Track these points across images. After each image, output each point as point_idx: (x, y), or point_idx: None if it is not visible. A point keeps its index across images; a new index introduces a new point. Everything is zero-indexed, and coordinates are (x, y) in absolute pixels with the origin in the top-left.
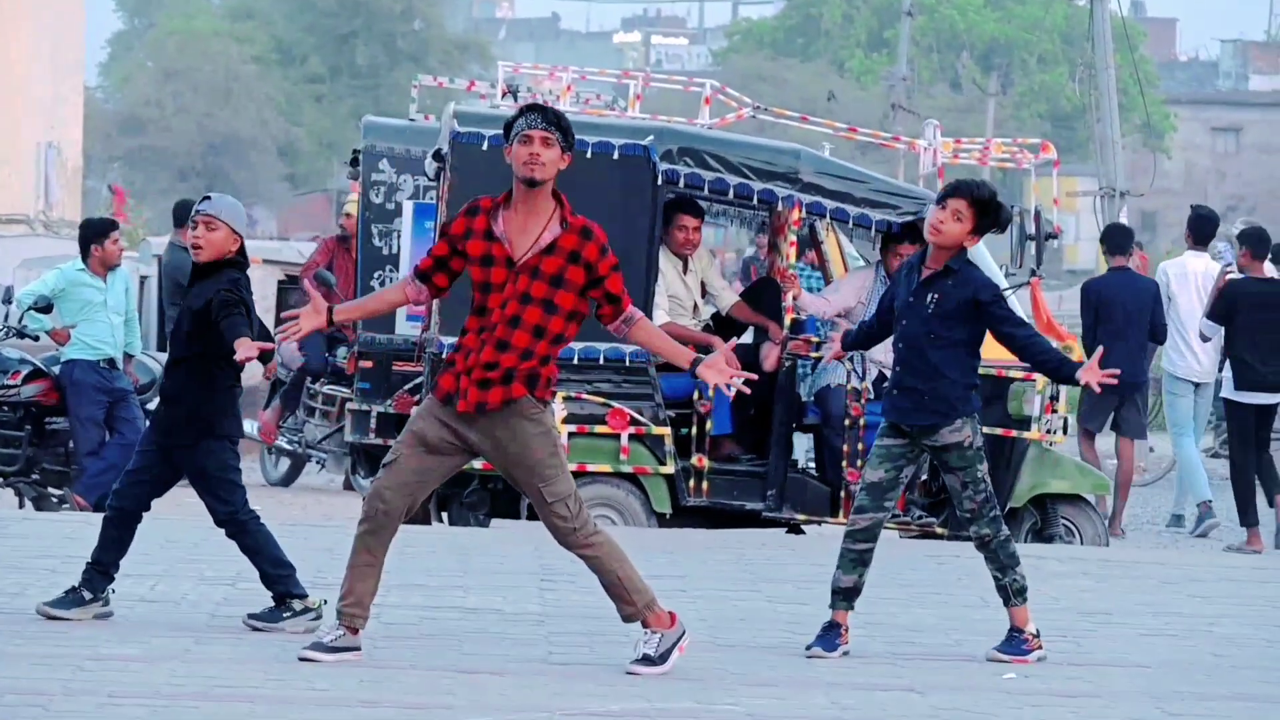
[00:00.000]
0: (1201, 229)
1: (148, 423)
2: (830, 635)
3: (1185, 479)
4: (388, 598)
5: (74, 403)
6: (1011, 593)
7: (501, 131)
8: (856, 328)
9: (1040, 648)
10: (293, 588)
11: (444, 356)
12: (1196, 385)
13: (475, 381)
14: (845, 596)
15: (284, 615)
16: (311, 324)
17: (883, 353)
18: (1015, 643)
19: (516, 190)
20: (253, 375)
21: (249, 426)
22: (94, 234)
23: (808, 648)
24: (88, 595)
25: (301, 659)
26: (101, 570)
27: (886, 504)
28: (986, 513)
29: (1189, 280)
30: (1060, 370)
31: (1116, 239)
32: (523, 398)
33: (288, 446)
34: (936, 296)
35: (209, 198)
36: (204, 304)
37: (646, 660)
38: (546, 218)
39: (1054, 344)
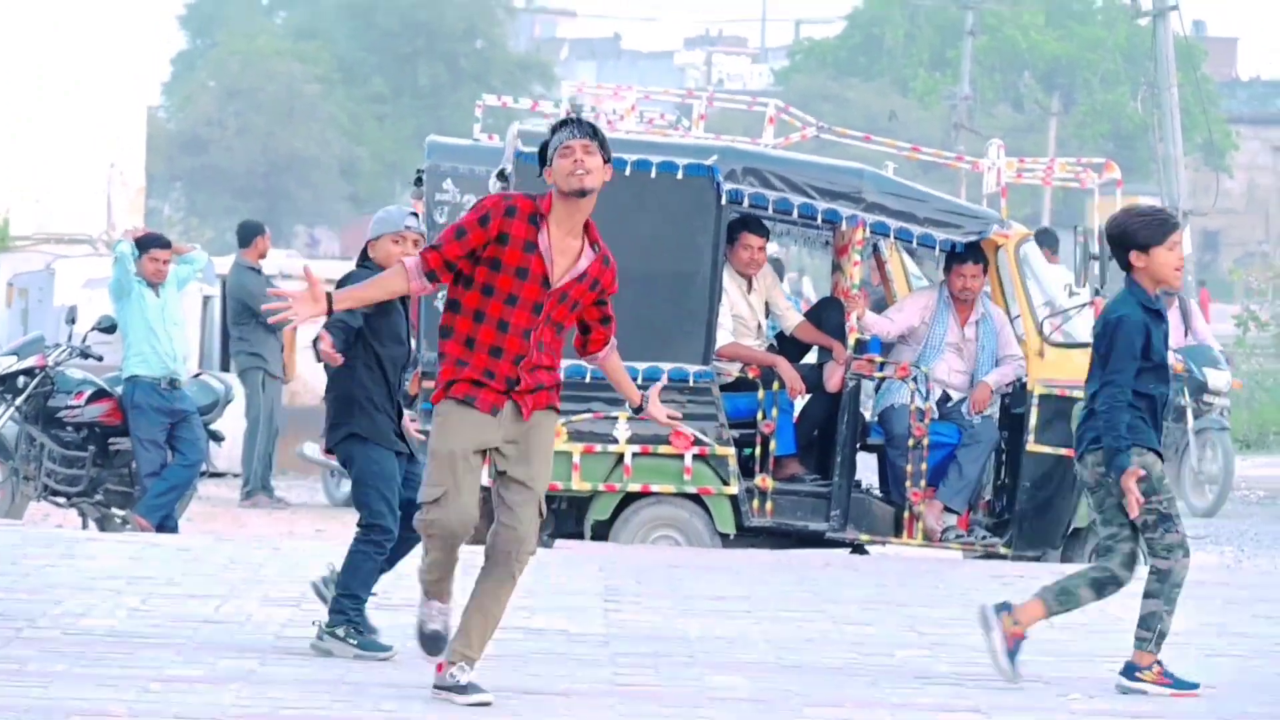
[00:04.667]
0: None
1: (211, 441)
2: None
3: None
4: (452, 619)
5: (135, 424)
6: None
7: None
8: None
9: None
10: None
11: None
12: None
13: (517, 391)
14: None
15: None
16: (308, 311)
17: (946, 372)
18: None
19: (559, 206)
20: (316, 396)
21: (310, 449)
22: (140, 247)
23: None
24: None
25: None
26: None
27: None
28: None
29: None
30: None
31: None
32: (550, 405)
33: None
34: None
35: (415, 214)
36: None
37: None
38: (582, 239)
39: None
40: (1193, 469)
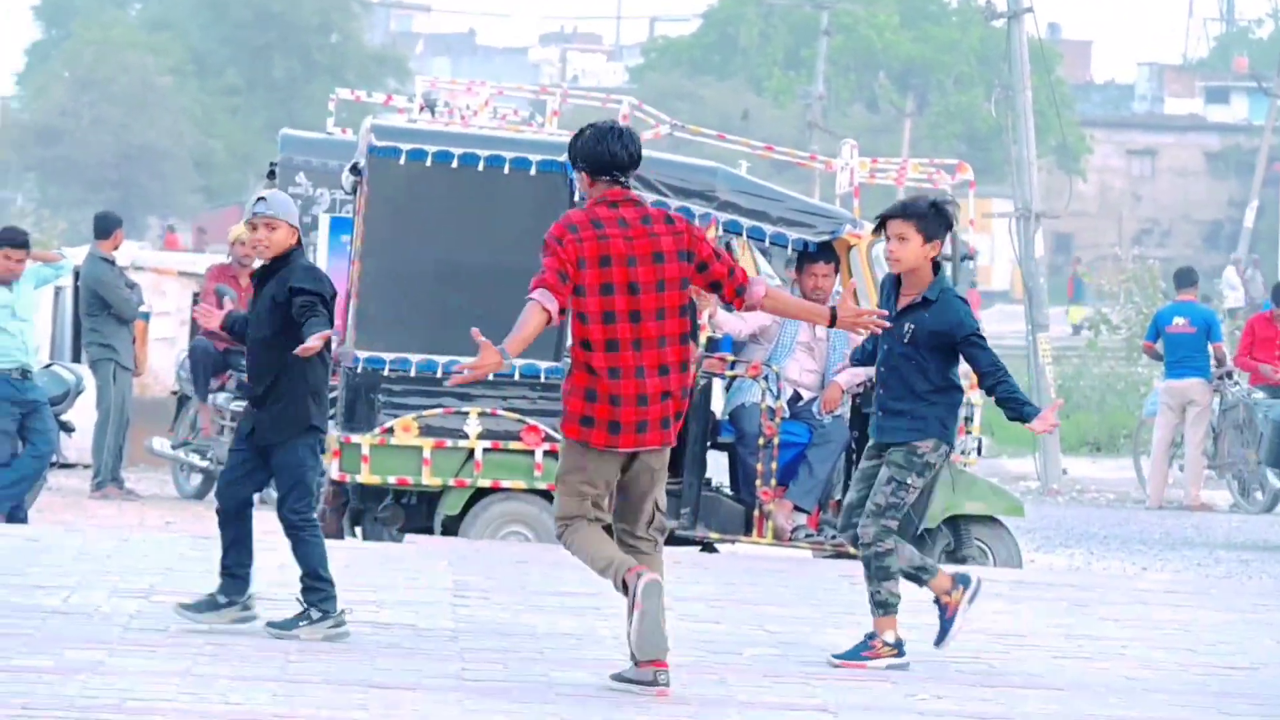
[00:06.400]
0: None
1: (61, 432)
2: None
3: None
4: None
5: None
6: (874, 603)
7: (436, 148)
8: (860, 348)
9: (887, 656)
10: (321, 601)
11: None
12: None
13: None
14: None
15: (300, 623)
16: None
17: (797, 372)
18: (858, 647)
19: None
20: (166, 388)
21: (158, 444)
22: None
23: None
24: (222, 600)
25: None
26: (230, 574)
27: (854, 522)
28: (882, 516)
29: None
30: (1020, 412)
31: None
32: None
33: (200, 462)
34: (912, 327)
35: (264, 199)
36: (285, 300)
37: None
38: None
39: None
40: None
